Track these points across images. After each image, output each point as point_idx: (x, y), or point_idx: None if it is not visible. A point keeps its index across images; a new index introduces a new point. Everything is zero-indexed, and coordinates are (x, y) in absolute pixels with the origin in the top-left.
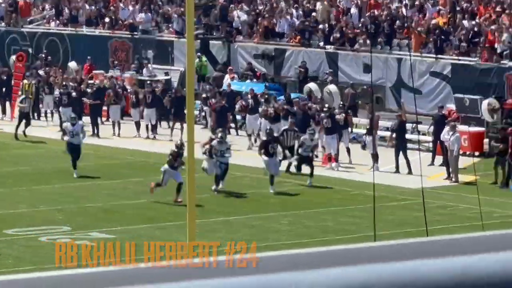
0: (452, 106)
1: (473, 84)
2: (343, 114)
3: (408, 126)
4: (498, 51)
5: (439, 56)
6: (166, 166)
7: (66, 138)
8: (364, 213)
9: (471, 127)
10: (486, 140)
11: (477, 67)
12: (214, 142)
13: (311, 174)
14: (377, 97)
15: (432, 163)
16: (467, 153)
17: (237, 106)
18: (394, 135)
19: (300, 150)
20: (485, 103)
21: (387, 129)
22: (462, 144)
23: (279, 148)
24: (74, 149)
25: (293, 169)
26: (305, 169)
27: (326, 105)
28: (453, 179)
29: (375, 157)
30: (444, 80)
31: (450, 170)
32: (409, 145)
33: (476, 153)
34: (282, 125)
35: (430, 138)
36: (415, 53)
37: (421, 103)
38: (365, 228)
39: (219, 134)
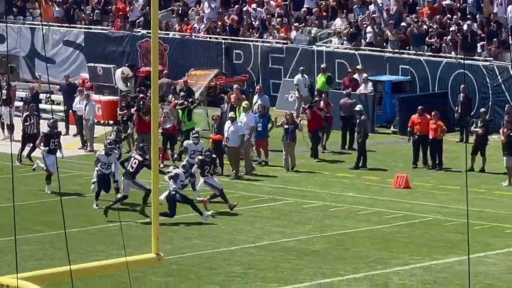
0: (85, 75)
1: (106, 52)
2: None
3: (42, 96)
4: (131, 19)
5: (71, 25)
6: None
7: None
8: None
9: (105, 96)
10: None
11: (110, 35)
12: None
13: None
14: (11, 67)
15: (67, 133)
16: (102, 121)
17: None
18: (27, 106)
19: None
20: (118, 71)
21: (21, 99)
22: (96, 113)
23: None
24: None
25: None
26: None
27: None
28: (88, 148)
29: (11, 127)
30: (78, 49)
31: (85, 139)
32: (43, 115)
33: (111, 122)
34: None
35: (63, 108)
36: (48, 22)
37: (54, 72)
38: None
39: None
